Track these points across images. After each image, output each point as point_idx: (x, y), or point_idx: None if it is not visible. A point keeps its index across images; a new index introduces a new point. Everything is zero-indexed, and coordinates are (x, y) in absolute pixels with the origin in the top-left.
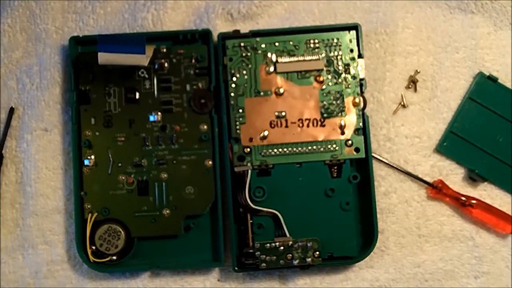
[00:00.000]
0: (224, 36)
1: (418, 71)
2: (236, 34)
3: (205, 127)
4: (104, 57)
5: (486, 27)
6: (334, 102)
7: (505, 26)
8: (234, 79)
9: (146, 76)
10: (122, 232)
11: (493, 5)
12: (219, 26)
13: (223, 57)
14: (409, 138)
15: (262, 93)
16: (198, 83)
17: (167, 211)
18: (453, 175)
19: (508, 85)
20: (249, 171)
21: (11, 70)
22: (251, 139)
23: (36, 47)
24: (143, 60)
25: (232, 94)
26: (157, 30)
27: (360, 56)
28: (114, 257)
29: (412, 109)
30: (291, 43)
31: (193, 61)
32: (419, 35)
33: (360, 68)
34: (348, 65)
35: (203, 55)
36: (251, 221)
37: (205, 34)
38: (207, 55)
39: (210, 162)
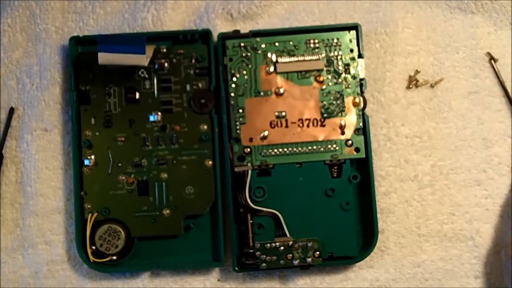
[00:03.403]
0: (224, 36)
1: (418, 71)
2: (236, 34)
3: (205, 127)
4: (104, 57)
5: (486, 27)
6: (334, 102)
7: (505, 26)
8: (234, 79)
9: (146, 76)
10: (122, 232)
11: (493, 5)
12: (219, 26)
13: (223, 57)
14: (409, 138)
15: (262, 93)
16: (198, 83)
17: (167, 211)
18: (453, 175)
19: (508, 85)
20: (249, 171)
21: (11, 70)
22: (251, 139)
23: (36, 47)
24: (143, 60)
25: (232, 94)
26: (157, 30)
27: (360, 56)
28: (114, 257)
29: (413, 109)
30: (291, 43)
31: (193, 61)
32: (419, 35)
33: (360, 68)
34: (348, 65)
35: (203, 55)
36: (251, 221)
37: (205, 34)
38: (207, 55)
39: (210, 162)
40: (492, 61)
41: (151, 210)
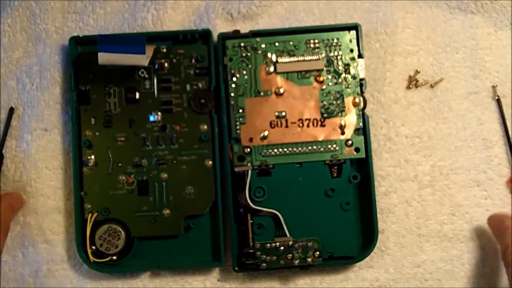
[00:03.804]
0: (224, 36)
1: (418, 71)
2: (236, 34)
3: (205, 127)
4: (104, 57)
5: (486, 27)
6: (334, 102)
7: (505, 27)
8: (234, 79)
9: (146, 76)
10: (122, 232)
11: (493, 5)
12: (219, 26)
13: (223, 57)
14: (409, 138)
15: (262, 93)
16: (198, 83)
17: (167, 211)
18: (453, 175)
19: (508, 85)
20: (249, 171)
21: (11, 70)
22: (251, 139)
23: (36, 47)
24: (143, 60)
25: (232, 94)
26: (157, 30)
27: (360, 56)
28: (114, 257)
29: (413, 109)
30: (291, 43)
31: (193, 61)
32: (419, 35)
33: (360, 68)
34: (348, 65)
35: (203, 55)
36: (251, 221)
37: (205, 34)
38: (207, 55)
39: (210, 162)
40: (497, 98)
41: (151, 210)
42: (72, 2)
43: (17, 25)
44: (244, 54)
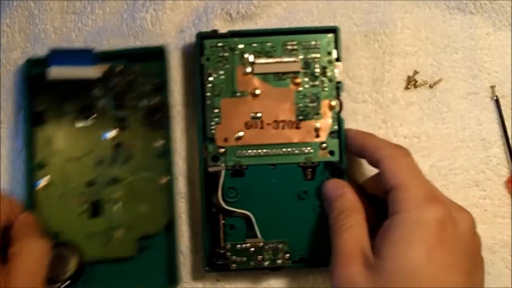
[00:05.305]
0: (202, 36)
1: (417, 71)
2: (214, 34)
3: (161, 143)
4: (54, 72)
5: (485, 27)
6: (310, 104)
7: (504, 27)
8: (211, 79)
9: (101, 93)
10: (72, 257)
11: (493, 6)
12: (218, 27)
13: (201, 57)
14: (408, 138)
15: (238, 94)
16: (153, 99)
17: (120, 232)
18: (452, 176)
19: (507, 85)
20: (223, 172)
21: (9, 70)
22: (226, 140)
23: (34, 47)
24: (93, 72)
25: (209, 94)
26: (153, 32)
27: (338, 59)
28: (67, 282)
29: (412, 109)
30: (268, 44)
31: (149, 77)
32: (418, 36)
33: (337, 71)
34: (325, 68)
35: (158, 71)
36: (223, 221)
37: (160, 51)
38: (162, 72)
39: (166, 179)
40: (496, 98)
41: (103, 231)
42: (71, 3)
43: (15, 25)
44: (221, 54)
